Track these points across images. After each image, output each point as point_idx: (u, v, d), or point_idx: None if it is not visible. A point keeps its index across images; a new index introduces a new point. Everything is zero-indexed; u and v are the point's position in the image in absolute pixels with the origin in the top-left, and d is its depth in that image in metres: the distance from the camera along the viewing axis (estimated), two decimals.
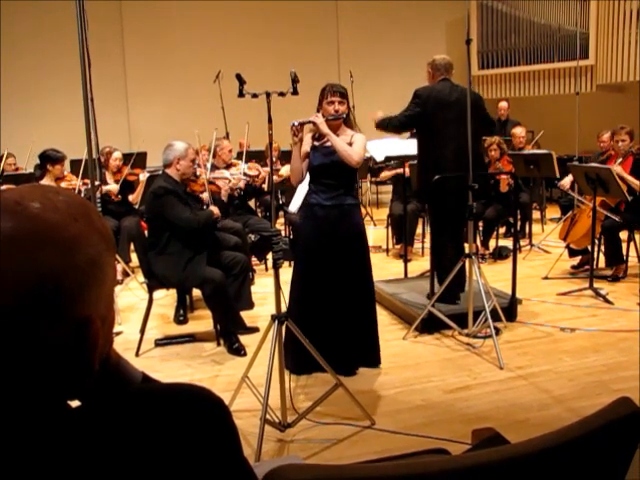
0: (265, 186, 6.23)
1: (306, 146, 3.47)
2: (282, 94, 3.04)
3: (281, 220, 7.02)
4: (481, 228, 6.44)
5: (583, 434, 0.99)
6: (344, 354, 3.50)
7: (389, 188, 7.79)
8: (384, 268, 5.96)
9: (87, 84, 4.12)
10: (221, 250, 4.35)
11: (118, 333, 4.30)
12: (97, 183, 4.71)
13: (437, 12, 10.07)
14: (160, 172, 4.23)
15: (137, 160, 6.65)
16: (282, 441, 2.86)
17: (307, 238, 3.57)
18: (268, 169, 5.62)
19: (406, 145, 5.51)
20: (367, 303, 3.59)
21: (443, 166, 4.20)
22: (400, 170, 6.47)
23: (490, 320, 3.80)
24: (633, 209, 5.16)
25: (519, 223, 6.64)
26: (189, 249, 3.94)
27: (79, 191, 5.43)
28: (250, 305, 4.52)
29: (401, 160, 5.78)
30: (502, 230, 7.03)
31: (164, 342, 4.19)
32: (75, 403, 0.75)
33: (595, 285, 4.94)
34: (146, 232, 4.31)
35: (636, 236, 5.55)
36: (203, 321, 4.54)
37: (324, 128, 3.35)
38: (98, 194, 4.93)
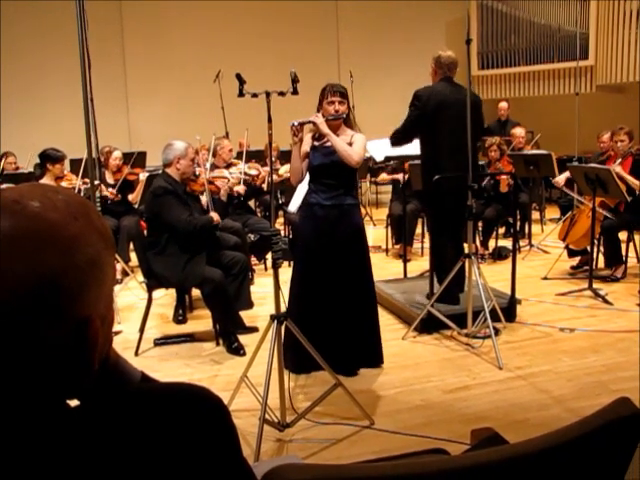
0: (265, 186, 6.24)
1: (306, 146, 3.47)
2: (282, 94, 3.03)
3: (281, 220, 7.02)
4: (481, 228, 6.44)
5: (582, 434, 0.99)
6: (344, 354, 3.50)
7: (389, 188, 7.78)
8: (384, 268, 5.96)
9: (87, 84, 4.13)
10: (220, 250, 4.34)
11: (117, 332, 4.30)
12: (97, 182, 4.72)
13: (437, 12, 10.05)
14: (160, 171, 4.23)
15: (137, 159, 6.66)
16: (281, 441, 2.86)
17: (307, 238, 3.57)
18: (268, 169, 5.62)
19: (406, 145, 5.50)
20: (367, 303, 3.59)
21: (443, 166, 4.20)
22: (398, 176, 6.48)
23: (489, 320, 3.80)
24: (632, 209, 5.17)
25: (518, 223, 6.64)
26: (188, 249, 3.93)
27: (79, 190, 5.44)
28: (249, 305, 4.51)
29: (401, 160, 5.77)
30: (502, 230, 7.03)
31: (163, 342, 4.19)
32: (74, 402, 0.75)
33: (594, 285, 4.94)
34: (145, 232, 4.31)
35: (635, 236, 5.56)
36: (202, 321, 4.54)
37: (324, 128, 3.35)
38: (98, 193, 4.93)
